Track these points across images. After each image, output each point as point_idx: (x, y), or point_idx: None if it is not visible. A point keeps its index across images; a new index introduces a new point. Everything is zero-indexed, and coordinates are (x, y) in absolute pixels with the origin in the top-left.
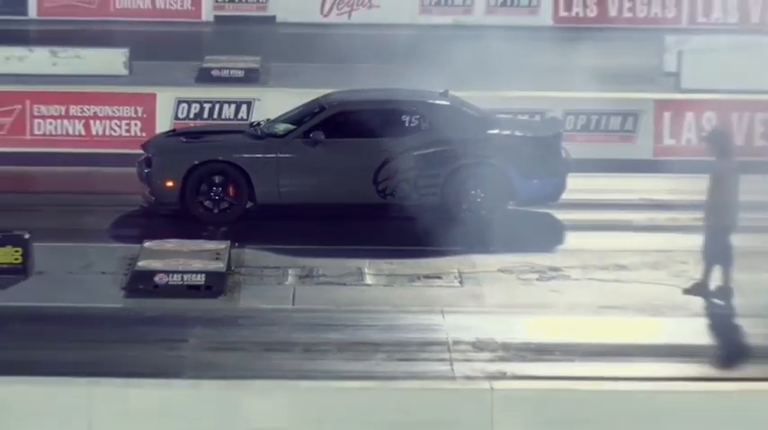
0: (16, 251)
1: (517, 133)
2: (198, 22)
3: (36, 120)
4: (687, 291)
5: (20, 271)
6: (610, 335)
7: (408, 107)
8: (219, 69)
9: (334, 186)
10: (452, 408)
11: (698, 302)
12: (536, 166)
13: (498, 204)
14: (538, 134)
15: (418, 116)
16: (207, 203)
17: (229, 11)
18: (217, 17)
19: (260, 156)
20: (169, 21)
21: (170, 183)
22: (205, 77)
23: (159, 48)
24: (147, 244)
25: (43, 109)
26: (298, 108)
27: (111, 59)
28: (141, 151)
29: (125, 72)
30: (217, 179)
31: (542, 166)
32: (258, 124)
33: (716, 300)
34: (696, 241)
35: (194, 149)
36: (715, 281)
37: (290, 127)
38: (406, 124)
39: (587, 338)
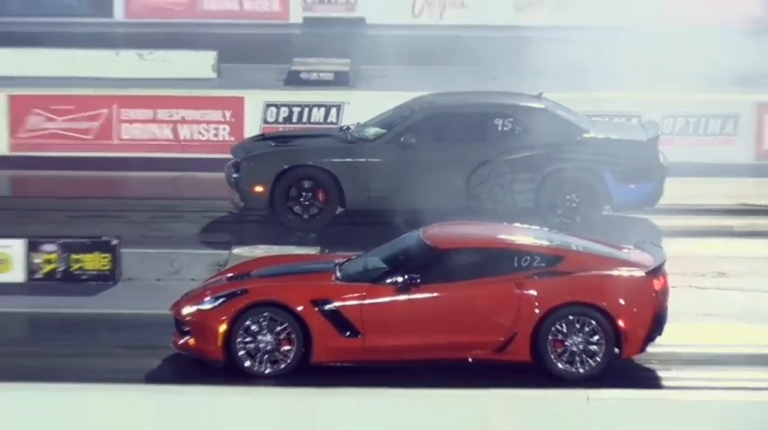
0: (104, 257)
1: (613, 137)
2: (286, 24)
3: (123, 125)
4: None
5: (108, 277)
6: (711, 342)
7: (502, 110)
8: (308, 72)
9: (426, 191)
10: (549, 418)
11: None
12: (633, 171)
13: (594, 209)
14: (634, 138)
15: (512, 119)
16: (296, 209)
17: (318, 12)
18: (305, 19)
19: (350, 160)
20: (257, 23)
21: (259, 188)
22: (294, 80)
23: (247, 50)
24: (235, 250)
25: (130, 113)
26: (388, 111)
27: (199, 62)
28: (230, 156)
29: (213, 75)
30: (306, 184)
31: (639, 171)
32: (348, 128)
33: None
34: None
35: (283, 154)
36: None
37: (381, 131)
38: (500, 128)
39: (688, 346)
